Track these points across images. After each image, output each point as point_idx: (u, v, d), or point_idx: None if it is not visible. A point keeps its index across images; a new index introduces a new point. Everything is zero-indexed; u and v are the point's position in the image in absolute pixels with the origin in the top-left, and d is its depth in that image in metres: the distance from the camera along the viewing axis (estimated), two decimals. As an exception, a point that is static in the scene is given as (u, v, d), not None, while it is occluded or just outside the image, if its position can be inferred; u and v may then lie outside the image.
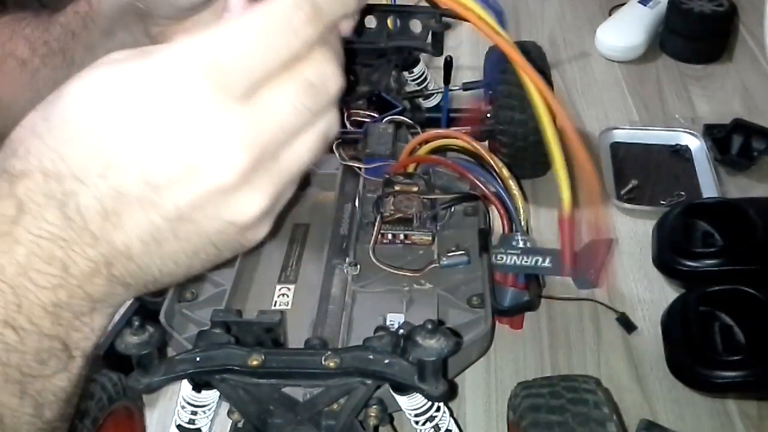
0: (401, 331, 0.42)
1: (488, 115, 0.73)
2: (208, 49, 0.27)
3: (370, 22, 0.69)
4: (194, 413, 0.44)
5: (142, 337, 0.39)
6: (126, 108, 0.26)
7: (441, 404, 0.44)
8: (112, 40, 0.51)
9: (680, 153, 0.82)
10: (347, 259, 0.57)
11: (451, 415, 0.45)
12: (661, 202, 0.76)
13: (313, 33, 0.28)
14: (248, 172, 0.27)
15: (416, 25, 0.69)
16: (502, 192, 0.58)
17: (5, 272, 0.27)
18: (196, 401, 0.44)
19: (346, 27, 0.31)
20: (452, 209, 0.60)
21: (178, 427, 0.45)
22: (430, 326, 0.39)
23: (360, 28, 0.67)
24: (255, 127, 0.27)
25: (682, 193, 0.77)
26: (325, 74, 0.28)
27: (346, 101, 0.68)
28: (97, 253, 0.27)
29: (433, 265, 0.57)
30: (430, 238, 0.59)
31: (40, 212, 0.27)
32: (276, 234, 0.61)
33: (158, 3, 0.48)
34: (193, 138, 0.26)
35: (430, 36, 0.68)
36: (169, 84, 0.26)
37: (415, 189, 0.59)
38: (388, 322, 0.53)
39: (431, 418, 0.44)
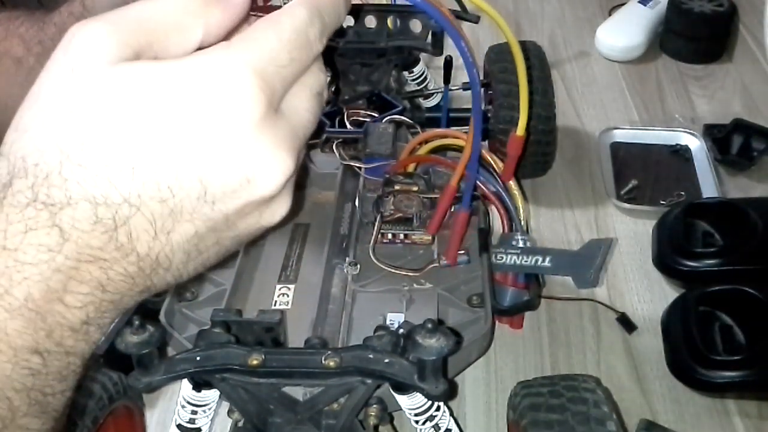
0: (401, 330, 0.42)
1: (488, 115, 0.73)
2: (254, 60, 0.26)
3: (370, 22, 0.69)
4: (194, 412, 0.44)
5: (142, 336, 0.39)
6: (181, 124, 0.25)
7: (441, 404, 0.44)
8: None
9: (680, 153, 0.82)
10: (347, 259, 0.57)
11: (451, 414, 0.45)
12: (661, 202, 0.76)
13: (320, 47, 0.29)
14: (290, 178, 0.28)
15: (416, 25, 0.69)
16: (502, 192, 0.59)
17: (35, 299, 0.25)
18: (196, 400, 0.44)
19: None
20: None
21: (178, 426, 0.45)
22: (430, 325, 0.39)
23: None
24: (293, 134, 0.28)
25: (682, 193, 0.77)
26: (322, 84, 0.30)
27: (345, 101, 0.68)
28: (138, 269, 0.27)
29: (433, 265, 0.57)
30: (430, 237, 0.59)
31: (85, 240, 0.25)
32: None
33: None
34: (250, 149, 0.26)
35: (430, 36, 0.68)
36: (223, 95, 0.26)
37: (415, 189, 0.59)
38: (388, 322, 0.53)
39: (431, 418, 0.44)
